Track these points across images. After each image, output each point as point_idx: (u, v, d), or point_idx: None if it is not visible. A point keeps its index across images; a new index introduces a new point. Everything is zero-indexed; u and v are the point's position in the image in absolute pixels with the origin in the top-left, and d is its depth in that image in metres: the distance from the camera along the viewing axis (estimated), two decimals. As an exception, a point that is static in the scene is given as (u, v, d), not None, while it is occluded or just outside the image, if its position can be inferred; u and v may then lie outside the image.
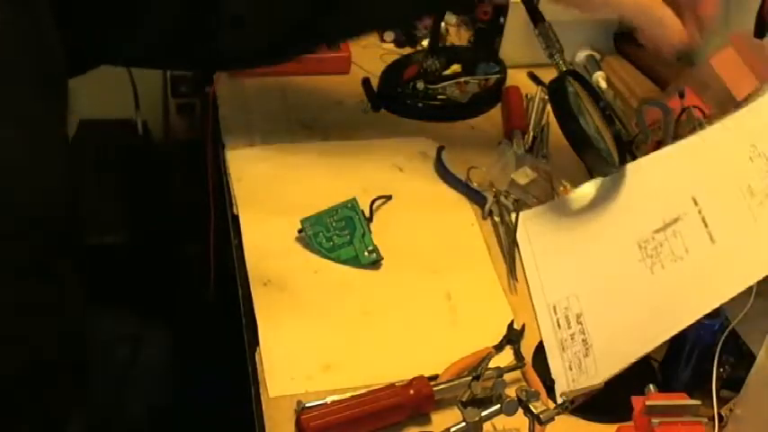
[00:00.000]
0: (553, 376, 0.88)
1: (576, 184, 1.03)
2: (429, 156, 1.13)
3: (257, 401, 0.84)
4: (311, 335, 0.90)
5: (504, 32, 1.28)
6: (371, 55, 1.32)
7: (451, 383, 0.83)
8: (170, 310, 1.51)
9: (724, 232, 0.84)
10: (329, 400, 0.81)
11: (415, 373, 0.84)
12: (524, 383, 0.87)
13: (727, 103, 1.00)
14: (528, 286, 0.97)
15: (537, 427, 0.74)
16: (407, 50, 1.33)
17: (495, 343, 0.89)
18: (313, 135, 1.16)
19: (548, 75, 1.04)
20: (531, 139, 1.15)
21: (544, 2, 1.04)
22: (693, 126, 0.98)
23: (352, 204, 1.03)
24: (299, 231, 1.00)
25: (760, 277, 0.78)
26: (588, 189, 1.00)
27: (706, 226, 0.85)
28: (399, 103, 1.22)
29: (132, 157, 1.83)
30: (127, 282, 1.54)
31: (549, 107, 1.14)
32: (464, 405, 0.75)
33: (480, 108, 1.24)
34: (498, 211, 1.05)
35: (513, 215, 1.03)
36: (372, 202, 1.04)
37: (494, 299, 0.96)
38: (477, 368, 0.83)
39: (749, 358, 0.78)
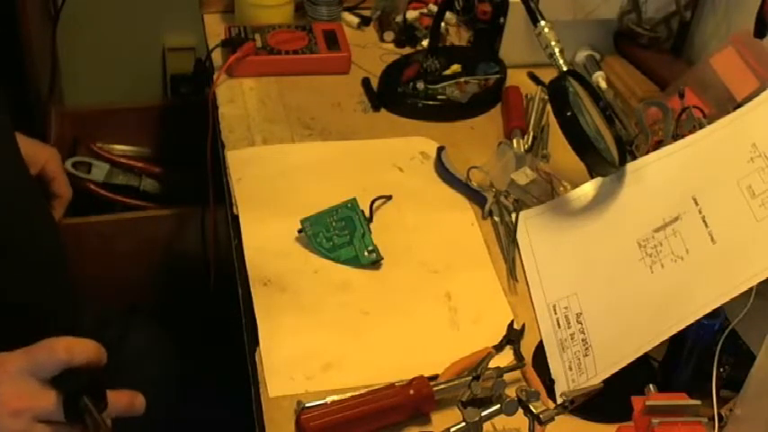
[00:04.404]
0: (553, 376, 0.88)
1: (575, 184, 1.03)
2: (429, 156, 1.13)
3: (257, 401, 0.84)
4: (311, 335, 0.90)
5: (504, 32, 1.28)
6: (371, 55, 1.32)
7: (451, 383, 0.83)
8: (171, 312, 1.51)
9: (725, 233, 0.84)
10: (329, 400, 0.81)
11: (415, 373, 0.84)
12: (524, 383, 0.87)
13: (727, 103, 1.01)
14: (528, 286, 0.97)
15: (537, 427, 0.74)
16: (407, 50, 1.33)
17: (495, 343, 0.89)
18: (313, 135, 1.16)
19: (548, 75, 1.04)
20: (531, 139, 1.15)
21: (544, 1, 1.04)
22: (693, 126, 0.98)
23: (352, 204, 1.03)
24: (299, 231, 1.00)
25: (762, 278, 0.78)
26: (588, 189, 1.00)
27: (707, 226, 0.85)
28: (399, 103, 1.22)
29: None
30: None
31: (549, 107, 1.14)
32: (464, 405, 0.75)
33: (480, 108, 1.24)
34: (498, 211, 1.05)
35: (513, 215, 1.03)
36: (372, 202, 1.04)
37: (494, 299, 0.96)
38: (477, 368, 0.83)
39: (749, 358, 0.78)
